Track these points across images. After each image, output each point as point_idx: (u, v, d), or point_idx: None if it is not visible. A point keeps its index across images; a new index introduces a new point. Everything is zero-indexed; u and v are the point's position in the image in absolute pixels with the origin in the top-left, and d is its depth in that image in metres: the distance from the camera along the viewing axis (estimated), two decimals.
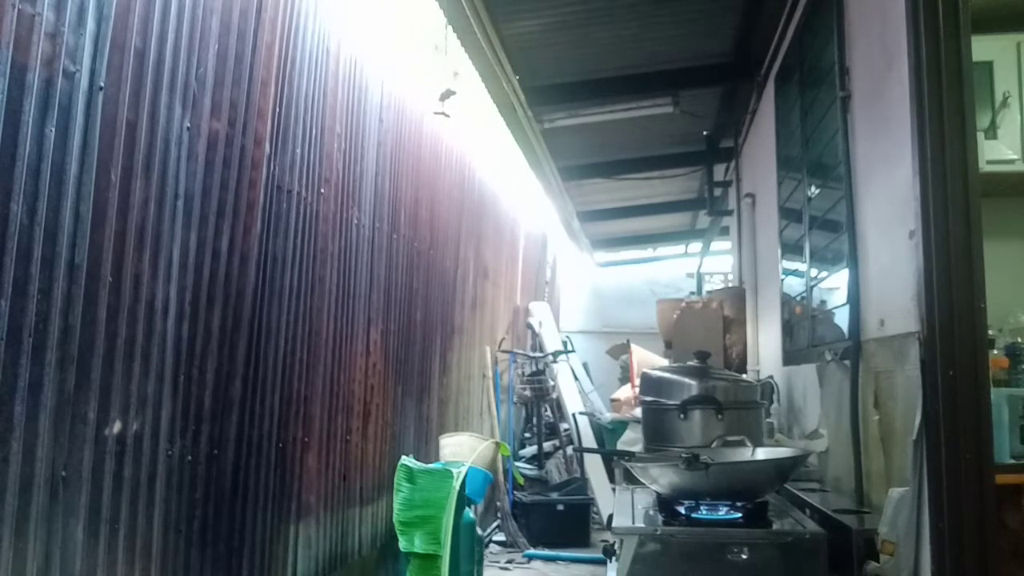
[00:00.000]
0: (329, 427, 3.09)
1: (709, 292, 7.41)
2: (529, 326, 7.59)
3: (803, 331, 3.87)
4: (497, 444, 4.41)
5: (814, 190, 3.59)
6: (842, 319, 3.08)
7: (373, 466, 3.57)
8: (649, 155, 6.94)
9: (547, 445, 6.90)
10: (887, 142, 2.51)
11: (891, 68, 2.44)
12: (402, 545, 3.36)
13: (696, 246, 10.39)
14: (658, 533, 2.11)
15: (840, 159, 3.01)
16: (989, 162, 2.54)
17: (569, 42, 4.57)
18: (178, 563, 2.11)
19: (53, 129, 1.64)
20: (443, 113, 4.53)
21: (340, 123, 3.16)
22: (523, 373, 6.76)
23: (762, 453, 2.62)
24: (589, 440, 6.68)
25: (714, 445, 2.68)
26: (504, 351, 6.44)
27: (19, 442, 1.55)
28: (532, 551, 5.26)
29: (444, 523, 3.38)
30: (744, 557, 2.05)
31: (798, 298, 4.00)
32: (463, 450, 4.13)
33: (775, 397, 4.24)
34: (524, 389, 6.61)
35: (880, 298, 2.64)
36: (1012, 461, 2.15)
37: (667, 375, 3.08)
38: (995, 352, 2.33)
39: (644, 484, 2.39)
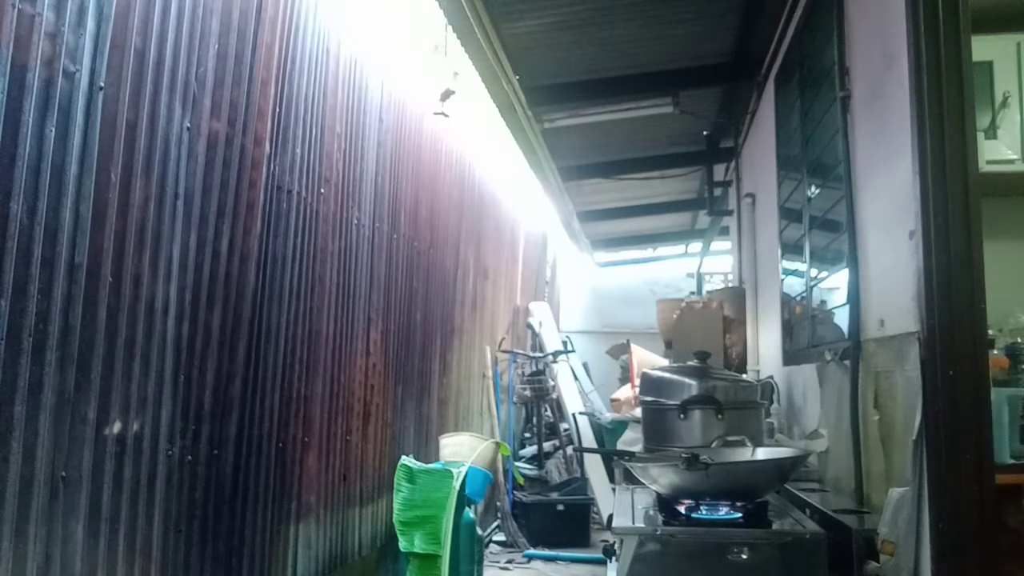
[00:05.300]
0: (329, 427, 3.09)
1: (709, 292, 7.41)
2: (529, 326, 7.59)
3: (803, 331, 3.87)
4: (497, 444, 4.41)
5: (814, 190, 3.59)
6: (842, 319, 3.08)
7: (373, 466, 3.57)
8: (649, 155, 6.94)
9: (547, 445, 6.90)
10: (887, 142, 2.51)
11: (891, 68, 2.44)
12: (402, 545, 3.36)
13: (696, 246, 10.39)
14: (658, 533, 2.11)
15: (840, 159, 3.01)
16: (989, 162, 2.55)
17: (569, 42, 4.57)
18: (178, 563, 2.11)
19: (53, 129, 1.64)
20: (443, 113, 4.53)
21: (340, 123, 3.16)
22: (523, 373, 6.76)
23: (762, 453, 2.62)
24: (589, 440, 6.68)
25: (714, 445, 2.67)
26: (504, 351, 6.44)
27: (19, 442, 1.55)
28: (532, 551, 5.26)
29: (444, 523, 3.38)
30: (744, 557, 2.05)
31: (798, 298, 4.00)
32: (463, 450, 4.13)
33: (775, 397, 4.24)
34: (524, 389, 6.61)
35: (880, 298, 2.64)
36: (1012, 461, 2.15)
37: (667, 375, 3.08)
38: (995, 352, 2.33)
39: (644, 484, 2.39)
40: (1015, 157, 2.60)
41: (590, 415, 7.06)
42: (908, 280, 2.22)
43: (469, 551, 3.87)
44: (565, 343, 7.36)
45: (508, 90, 4.63)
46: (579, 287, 11.34)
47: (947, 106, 1.99)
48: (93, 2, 1.74)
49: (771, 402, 4.17)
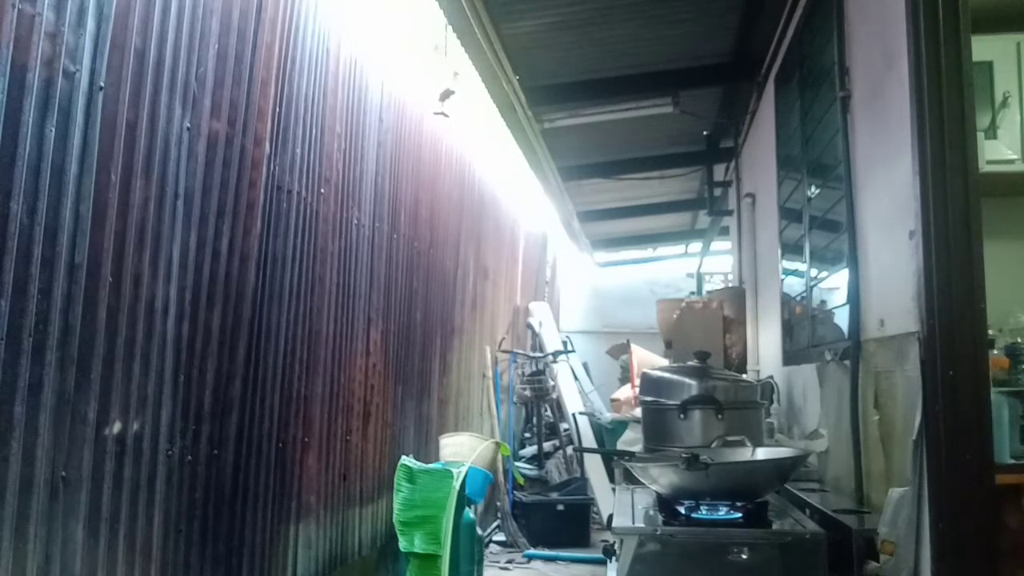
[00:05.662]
0: (329, 427, 3.09)
1: (709, 292, 7.41)
2: (529, 326, 7.59)
3: (803, 331, 3.87)
4: (497, 444, 4.41)
5: (814, 190, 3.59)
6: (842, 319, 3.08)
7: (373, 466, 3.57)
8: (649, 155, 6.95)
9: (547, 445, 6.90)
10: (887, 142, 2.51)
11: (891, 68, 2.44)
12: (402, 545, 3.36)
13: (696, 246, 10.39)
14: (658, 533, 2.11)
15: (840, 159, 3.01)
16: (989, 162, 2.55)
17: (569, 42, 4.57)
18: (178, 563, 2.11)
19: (53, 129, 1.64)
20: (443, 113, 4.53)
21: (340, 123, 3.16)
22: (523, 373, 6.76)
23: (762, 453, 2.62)
24: (589, 440, 6.68)
25: (714, 445, 2.67)
26: (504, 351, 6.44)
27: (19, 442, 1.55)
28: (532, 551, 5.26)
29: (444, 523, 3.38)
30: (744, 557, 2.05)
31: (798, 298, 4.00)
32: (463, 450, 4.13)
33: (775, 397, 4.24)
34: (524, 389, 6.61)
35: (880, 298, 2.64)
36: (1012, 461, 2.15)
37: (667, 375, 3.08)
38: (995, 352, 2.33)
39: (644, 484, 2.39)
40: (1015, 157, 2.60)
41: (590, 415, 7.06)
42: (908, 280, 2.22)
43: (469, 551, 3.87)
44: (565, 343, 7.36)
45: (508, 90, 4.63)
46: (579, 287, 11.34)
47: (947, 106, 1.99)
48: (93, 2, 1.74)
49: (771, 402, 4.17)
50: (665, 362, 5.57)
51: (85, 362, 1.74)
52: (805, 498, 2.70)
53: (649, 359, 6.04)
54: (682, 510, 2.26)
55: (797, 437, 3.85)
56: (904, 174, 2.21)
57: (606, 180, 7.24)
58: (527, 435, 7.44)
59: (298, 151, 2.79)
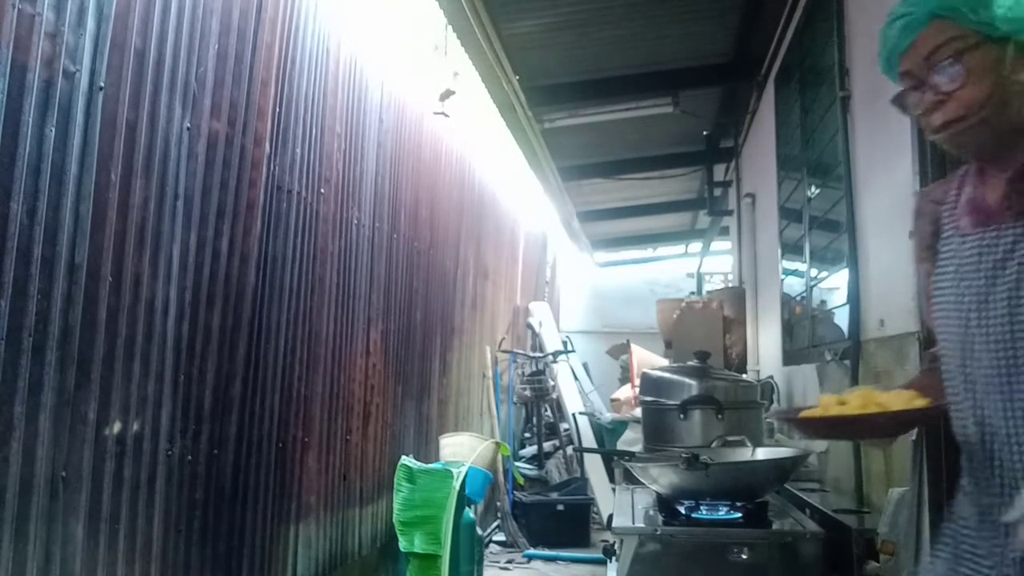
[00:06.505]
0: (329, 427, 3.09)
1: (709, 292, 7.42)
2: (529, 326, 7.59)
3: (803, 331, 3.87)
4: (497, 444, 4.41)
5: (814, 190, 3.60)
6: (842, 319, 3.08)
7: (373, 466, 3.57)
8: (649, 155, 6.95)
9: (547, 445, 6.90)
10: (887, 142, 2.51)
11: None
12: (402, 545, 3.36)
13: (696, 246, 10.39)
14: (658, 533, 2.11)
15: (840, 159, 3.01)
16: None
17: (569, 42, 4.57)
18: (178, 563, 2.11)
19: (53, 129, 1.64)
20: (443, 113, 4.53)
21: (340, 123, 3.16)
22: (523, 373, 6.76)
23: (762, 453, 2.62)
24: (589, 440, 6.68)
25: (714, 445, 2.67)
26: (504, 351, 6.44)
27: (19, 442, 1.55)
28: (532, 551, 5.26)
29: (444, 523, 3.38)
30: (744, 557, 2.05)
31: (798, 298, 4.00)
32: (463, 450, 4.13)
33: (775, 397, 4.24)
34: (524, 389, 6.61)
35: (880, 298, 2.64)
36: None
37: (667, 375, 3.08)
38: None
39: (644, 484, 2.38)
40: None
41: (590, 415, 7.06)
42: (908, 280, 2.22)
43: (469, 551, 3.87)
44: (565, 343, 7.36)
45: (508, 90, 4.63)
46: (579, 287, 11.34)
47: None
48: (93, 2, 1.74)
49: (771, 402, 4.17)
50: (665, 362, 5.58)
51: (85, 362, 1.74)
52: (805, 498, 2.70)
53: (649, 359, 6.05)
54: (682, 510, 2.25)
55: (797, 437, 3.85)
56: (904, 174, 2.21)
57: (606, 180, 7.24)
58: (527, 435, 7.44)
59: (298, 151, 2.79)
